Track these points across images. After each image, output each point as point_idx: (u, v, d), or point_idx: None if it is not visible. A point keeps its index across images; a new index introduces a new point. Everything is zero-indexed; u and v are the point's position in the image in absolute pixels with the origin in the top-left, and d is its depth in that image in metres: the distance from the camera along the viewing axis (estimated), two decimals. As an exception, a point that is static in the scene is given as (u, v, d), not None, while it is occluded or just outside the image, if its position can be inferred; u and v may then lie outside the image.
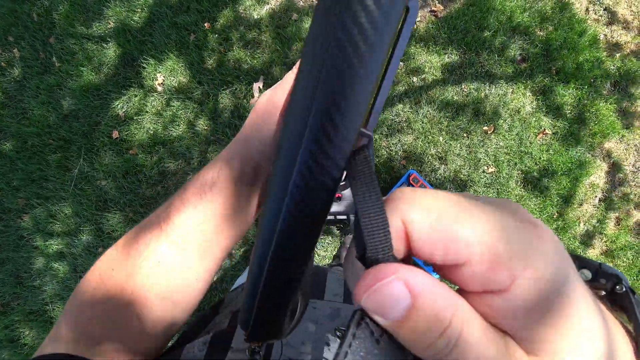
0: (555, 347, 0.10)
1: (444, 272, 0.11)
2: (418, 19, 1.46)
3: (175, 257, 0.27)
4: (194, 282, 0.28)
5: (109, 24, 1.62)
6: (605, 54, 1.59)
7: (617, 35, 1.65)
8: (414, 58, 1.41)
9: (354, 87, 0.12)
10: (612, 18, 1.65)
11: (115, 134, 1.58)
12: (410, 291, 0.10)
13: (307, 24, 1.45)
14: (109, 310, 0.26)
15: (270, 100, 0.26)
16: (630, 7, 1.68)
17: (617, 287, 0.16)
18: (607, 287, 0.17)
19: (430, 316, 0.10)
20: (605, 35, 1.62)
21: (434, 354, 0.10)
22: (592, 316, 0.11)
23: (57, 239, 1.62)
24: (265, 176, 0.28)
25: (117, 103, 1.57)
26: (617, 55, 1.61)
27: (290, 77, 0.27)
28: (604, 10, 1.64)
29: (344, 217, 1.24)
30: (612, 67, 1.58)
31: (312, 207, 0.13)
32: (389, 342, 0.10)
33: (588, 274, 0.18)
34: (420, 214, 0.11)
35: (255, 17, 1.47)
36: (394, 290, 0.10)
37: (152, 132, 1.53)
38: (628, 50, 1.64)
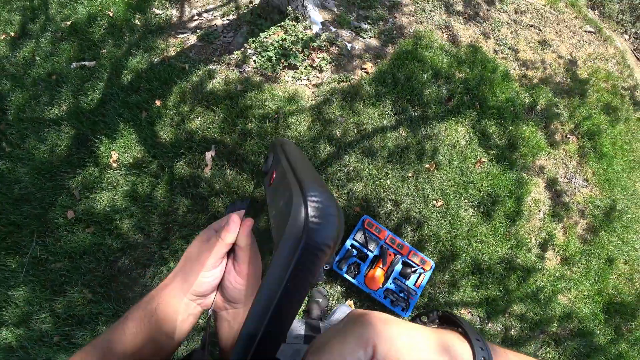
0: None
1: None
2: (354, 77, 1.64)
3: None
4: None
5: (62, 107, 1.66)
6: (517, 84, 1.83)
7: (524, 67, 1.92)
8: (353, 112, 1.55)
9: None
10: (517, 55, 1.93)
11: (70, 214, 1.55)
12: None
13: (252, 92, 1.58)
14: None
15: (197, 246, 0.34)
16: (529, 43, 1.98)
17: (439, 313, 0.28)
18: (435, 317, 0.28)
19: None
20: (514, 69, 1.89)
21: None
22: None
23: (5, 332, 1.47)
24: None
25: (72, 183, 1.56)
26: (528, 84, 1.87)
27: (212, 229, 0.35)
28: (509, 49, 1.92)
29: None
30: (526, 95, 1.82)
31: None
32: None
33: (425, 318, 0.29)
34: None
35: (203, 91, 1.57)
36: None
37: (109, 208, 1.51)
38: (536, 79, 1.90)
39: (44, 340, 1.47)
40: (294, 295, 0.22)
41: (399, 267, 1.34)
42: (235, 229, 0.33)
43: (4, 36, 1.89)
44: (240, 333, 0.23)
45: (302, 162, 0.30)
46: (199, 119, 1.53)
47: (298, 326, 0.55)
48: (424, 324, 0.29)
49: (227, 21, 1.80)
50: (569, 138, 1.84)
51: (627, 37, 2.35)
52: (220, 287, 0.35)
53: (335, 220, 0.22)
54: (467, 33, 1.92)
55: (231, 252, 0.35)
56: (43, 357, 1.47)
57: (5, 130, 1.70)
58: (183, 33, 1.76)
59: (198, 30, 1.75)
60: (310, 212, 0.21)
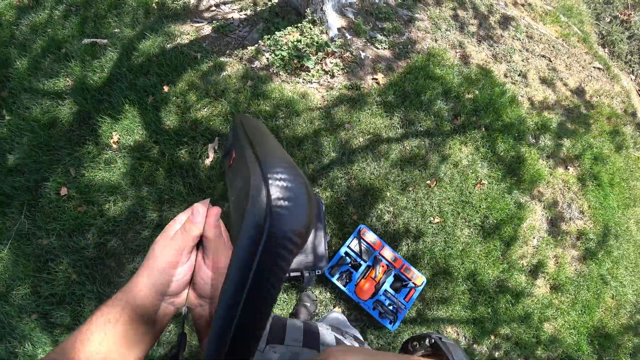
0: None
1: None
2: (364, 86, 1.65)
3: None
4: None
5: (68, 82, 1.64)
6: (524, 111, 1.86)
7: (532, 95, 1.95)
8: (360, 120, 1.55)
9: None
10: (526, 81, 1.96)
11: (63, 191, 1.52)
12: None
13: (261, 89, 1.57)
14: None
15: (161, 243, 0.31)
16: (539, 72, 2.01)
17: (431, 340, 0.26)
18: (427, 344, 0.26)
19: None
20: (522, 95, 1.91)
21: None
22: None
23: (-17, 307, 1.43)
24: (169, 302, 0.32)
25: (68, 159, 1.53)
26: (534, 112, 1.89)
27: (173, 229, 0.32)
28: (519, 75, 1.95)
29: (298, 273, 1.24)
30: (531, 122, 1.84)
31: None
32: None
33: (416, 344, 0.27)
34: None
35: (212, 82, 1.56)
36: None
37: (104, 189, 1.48)
38: (542, 108, 1.93)
39: (21, 316, 1.43)
40: (260, 301, 0.18)
41: (390, 279, 1.33)
42: (200, 219, 0.30)
43: (17, 2, 1.87)
44: (209, 338, 0.20)
45: (262, 135, 0.25)
46: (205, 109, 1.52)
47: (296, 327, 0.54)
48: (414, 348, 0.27)
49: (244, 16, 1.80)
50: (568, 169, 1.86)
51: (633, 77, 2.40)
52: (192, 283, 0.32)
53: (304, 201, 0.17)
54: (479, 55, 1.95)
55: (200, 245, 0.32)
56: (19, 333, 1.42)
57: (7, 98, 1.67)
58: (198, 22, 1.76)
59: (214, 21, 1.74)
60: (273, 192, 0.17)
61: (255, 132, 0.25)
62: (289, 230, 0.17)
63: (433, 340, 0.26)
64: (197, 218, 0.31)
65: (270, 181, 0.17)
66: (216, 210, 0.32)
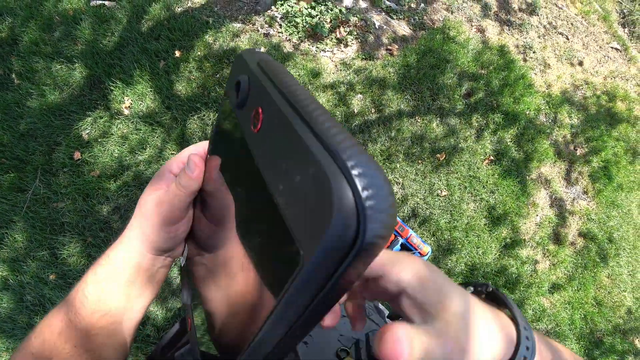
0: (437, 311, 0.20)
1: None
2: (378, 56, 1.62)
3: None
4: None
5: (77, 45, 1.61)
6: (536, 89, 1.84)
7: (546, 73, 1.92)
8: (373, 92, 1.54)
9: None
10: (541, 59, 1.93)
11: (77, 155, 1.54)
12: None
13: (273, 57, 1.55)
14: None
15: (152, 198, 0.29)
16: (555, 50, 1.97)
17: (488, 288, 0.27)
18: (483, 290, 0.27)
19: None
20: (536, 73, 1.89)
21: None
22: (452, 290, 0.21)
23: (2, 265, 1.49)
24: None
25: (81, 124, 1.54)
26: (547, 91, 1.87)
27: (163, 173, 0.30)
28: (534, 52, 1.91)
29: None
30: (543, 101, 1.83)
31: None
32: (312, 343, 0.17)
33: (471, 288, 0.28)
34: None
35: (225, 48, 1.54)
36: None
37: (116, 155, 1.50)
38: (555, 87, 1.91)
39: (40, 277, 1.49)
40: (319, 315, 0.14)
41: (397, 248, 1.38)
42: (198, 174, 0.26)
43: (21, -37, 1.80)
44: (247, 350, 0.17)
45: (309, 98, 0.16)
46: (218, 75, 1.51)
47: None
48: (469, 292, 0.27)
49: (256, -19, 1.74)
50: (576, 150, 1.87)
51: (650, 60, 2.34)
52: (190, 235, 0.30)
53: (391, 196, 0.13)
54: (495, 30, 1.90)
55: (197, 197, 0.28)
56: (38, 293, 1.49)
57: (16, 61, 1.65)
58: (210, -14, 1.70)
59: (225, -14, 1.69)
60: (359, 186, 0.12)
61: (297, 91, 0.17)
62: (376, 235, 0.12)
63: (490, 289, 0.25)
64: (195, 172, 0.26)
65: (354, 175, 0.12)
66: (216, 161, 0.26)
